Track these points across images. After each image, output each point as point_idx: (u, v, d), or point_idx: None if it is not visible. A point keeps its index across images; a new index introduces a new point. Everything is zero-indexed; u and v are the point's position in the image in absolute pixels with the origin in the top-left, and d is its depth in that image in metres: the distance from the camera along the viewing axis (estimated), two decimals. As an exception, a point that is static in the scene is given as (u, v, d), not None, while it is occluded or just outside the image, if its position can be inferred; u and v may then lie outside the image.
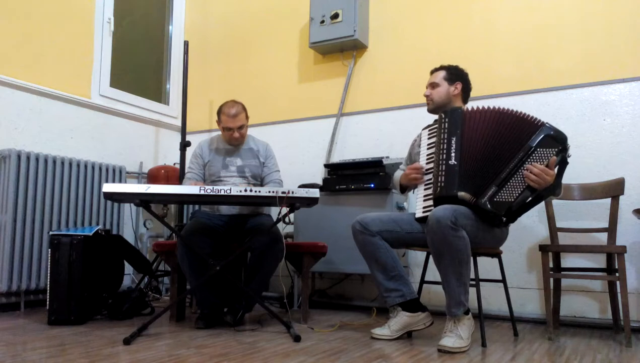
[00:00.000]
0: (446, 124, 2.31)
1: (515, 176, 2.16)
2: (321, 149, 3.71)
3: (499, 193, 2.16)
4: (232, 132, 2.79)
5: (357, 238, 2.37)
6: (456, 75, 2.48)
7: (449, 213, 2.07)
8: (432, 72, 2.54)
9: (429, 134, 2.46)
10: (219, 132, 3.00)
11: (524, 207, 2.19)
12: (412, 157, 2.59)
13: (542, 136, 2.17)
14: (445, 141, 2.27)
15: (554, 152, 2.15)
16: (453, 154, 2.23)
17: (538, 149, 2.16)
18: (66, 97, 3.42)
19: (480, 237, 2.21)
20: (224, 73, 4.24)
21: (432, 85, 2.48)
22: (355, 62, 3.67)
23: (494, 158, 2.19)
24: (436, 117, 2.42)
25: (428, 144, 2.42)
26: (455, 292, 2.12)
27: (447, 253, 2.09)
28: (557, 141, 2.16)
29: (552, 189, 2.16)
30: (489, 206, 2.15)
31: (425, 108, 3.28)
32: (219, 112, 2.83)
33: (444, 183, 2.21)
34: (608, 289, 2.62)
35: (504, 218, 2.18)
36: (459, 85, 2.46)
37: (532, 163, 2.14)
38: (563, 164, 2.18)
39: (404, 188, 2.55)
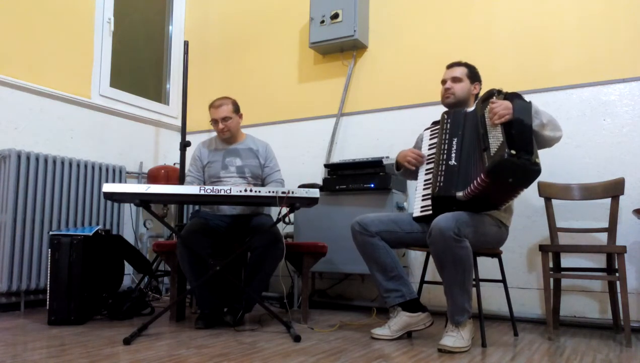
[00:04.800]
0: (448, 125, 2.33)
1: (489, 131, 2.11)
2: (321, 149, 3.71)
3: (490, 149, 2.06)
4: (217, 124, 2.83)
5: (356, 239, 2.37)
6: (476, 75, 2.47)
7: (452, 223, 2.06)
8: (451, 66, 2.47)
9: (430, 135, 2.47)
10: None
11: (523, 137, 2.04)
12: None
13: (482, 105, 2.24)
14: (447, 142, 2.29)
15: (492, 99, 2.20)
16: (453, 155, 2.23)
17: (485, 110, 2.18)
18: (66, 97, 3.42)
19: (481, 241, 2.21)
20: (224, 73, 4.24)
21: (454, 79, 2.42)
22: (355, 62, 3.67)
23: (477, 145, 2.19)
24: (439, 116, 2.42)
25: (429, 145, 2.44)
26: (459, 300, 2.12)
27: (451, 263, 2.09)
28: (488, 96, 2.22)
29: (522, 109, 2.08)
30: (492, 162, 2.00)
31: (426, 108, 3.33)
32: (209, 106, 2.89)
33: (442, 184, 2.20)
34: (608, 289, 2.62)
35: (513, 151, 1.97)
36: (478, 86, 2.46)
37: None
38: (509, 96, 2.17)
39: (399, 167, 2.55)
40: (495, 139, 2.06)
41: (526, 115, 2.08)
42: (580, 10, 2.97)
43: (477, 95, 2.47)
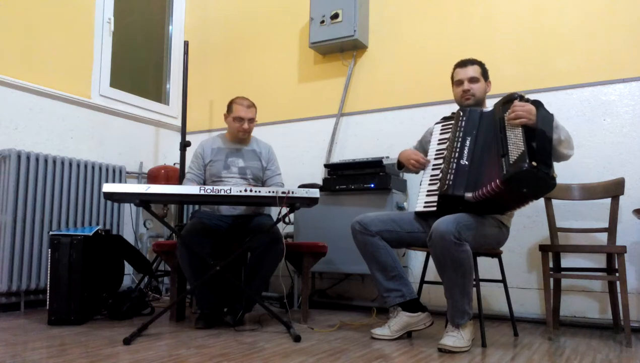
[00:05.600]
0: (463, 123, 2.29)
1: (508, 137, 2.08)
2: (321, 149, 3.71)
3: (509, 156, 2.03)
4: (243, 123, 2.81)
5: (356, 239, 2.37)
6: (487, 73, 2.43)
7: (452, 227, 2.05)
8: (464, 64, 2.40)
9: (442, 129, 2.42)
10: (219, 132, 3.00)
11: (544, 149, 2.02)
12: (423, 145, 2.57)
13: (501, 108, 2.20)
14: (460, 140, 2.25)
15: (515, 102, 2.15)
16: (466, 154, 2.20)
17: (505, 114, 2.14)
18: (66, 97, 3.42)
19: (482, 242, 2.21)
20: (224, 73, 4.24)
21: (472, 80, 2.36)
22: (355, 62, 3.67)
23: (492, 148, 2.16)
24: (443, 113, 2.39)
25: (439, 140, 2.39)
26: (459, 302, 2.11)
27: (451, 266, 2.08)
28: (509, 99, 2.17)
29: (545, 121, 2.08)
30: (511, 171, 1.98)
31: (426, 108, 3.33)
32: (231, 103, 2.86)
33: (451, 182, 2.18)
34: (608, 289, 2.62)
35: (534, 163, 1.93)
36: (490, 85, 2.44)
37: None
38: (534, 103, 2.12)
39: (401, 166, 2.54)
40: (515, 146, 2.03)
41: (548, 128, 2.07)
42: (580, 10, 2.98)
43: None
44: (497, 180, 2.01)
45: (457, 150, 2.23)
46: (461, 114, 2.32)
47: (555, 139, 2.11)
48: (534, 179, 1.97)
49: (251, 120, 2.84)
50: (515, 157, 2.00)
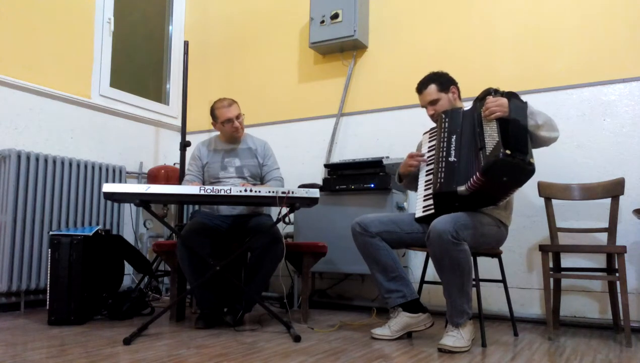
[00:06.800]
0: (446, 124, 2.33)
1: (485, 131, 2.13)
2: (321, 149, 3.71)
3: (486, 148, 2.08)
4: (233, 123, 2.81)
5: (357, 240, 2.37)
6: (446, 81, 2.44)
7: (450, 226, 2.06)
8: (420, 90, 2.46)
9: (429, 137, 2.48)
10: (217, 133, 3.00)
11: (518, 137, 2.05)
12: None
13: (478, 104, 2.25)
14: (445, 139, 2.29)
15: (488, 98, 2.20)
16: (453, 151, 2.24)
17: (481, 109, 2.19)
18: (66, 97, 3.42)
19: (481, 241, 2.21)
20: (224, 73, 4.24)
21: (432, 103, 2.42)
22: (355, 62, 3.67)
23: (473, 143, 2.20)
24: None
25: (429, 147, 2.45)
26: (458, 302, 2.12)
27: (449, 266, 2.09)
28: (484, 95, 2.22)
29: (518, 110, 2.11)
30: (487, 162, 2.02)
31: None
32: (213, 110, 2.86)
33: (443, 180, 2.20)
34: (608, 289, 2.62)
35: (508, 151, 1.97)
36: (455, 89, 2.45)
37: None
38: (507, 95, 2.17)
39: (401, 178, 2.56)
40: (491, 138, 2.09)
41: (522, 116, 2.11)
42: (580, 10, 2.98)
43: (459, 95, 2.48)
44: (478, 173, 2.06)
45: (444, 149, 2.27)
46: (443, 116, 2.37)
47: (532, 125, 2.14)
48: (509, 166, 2.00)
49: (238, 117, 2.83)
50: (491, 149, 2.05)
